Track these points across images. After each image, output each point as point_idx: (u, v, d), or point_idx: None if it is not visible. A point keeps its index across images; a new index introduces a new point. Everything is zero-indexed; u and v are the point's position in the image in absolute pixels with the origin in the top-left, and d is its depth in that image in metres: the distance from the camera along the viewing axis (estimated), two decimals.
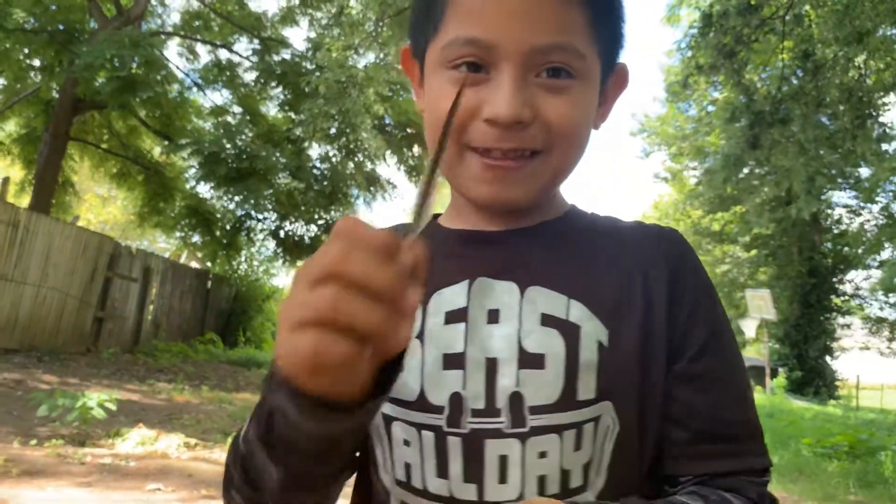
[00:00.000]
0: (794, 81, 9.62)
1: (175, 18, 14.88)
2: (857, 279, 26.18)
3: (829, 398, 21.92)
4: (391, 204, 69.21)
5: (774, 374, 20.91)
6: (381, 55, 10.75)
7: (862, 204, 25.03)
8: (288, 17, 14.61)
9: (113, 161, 15.26)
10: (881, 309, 26.22)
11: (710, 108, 20.90)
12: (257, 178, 12.71)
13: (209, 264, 16.40)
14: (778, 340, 23.05)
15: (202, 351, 14.54)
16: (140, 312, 13.27)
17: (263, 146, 13.16)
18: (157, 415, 7.49)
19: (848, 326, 26.36)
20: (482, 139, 0.68)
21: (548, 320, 0.67)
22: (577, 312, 0.68)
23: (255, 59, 14.57)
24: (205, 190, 14.57)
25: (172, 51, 15.07)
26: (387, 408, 0.69)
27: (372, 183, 14.95)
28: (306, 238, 14.84)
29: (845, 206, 25.35)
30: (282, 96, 14.71)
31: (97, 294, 11.83)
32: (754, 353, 24.47)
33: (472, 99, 0.67)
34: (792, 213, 9.99)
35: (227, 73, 14.69)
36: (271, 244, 15.51)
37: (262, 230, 15.11)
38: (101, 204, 28.24)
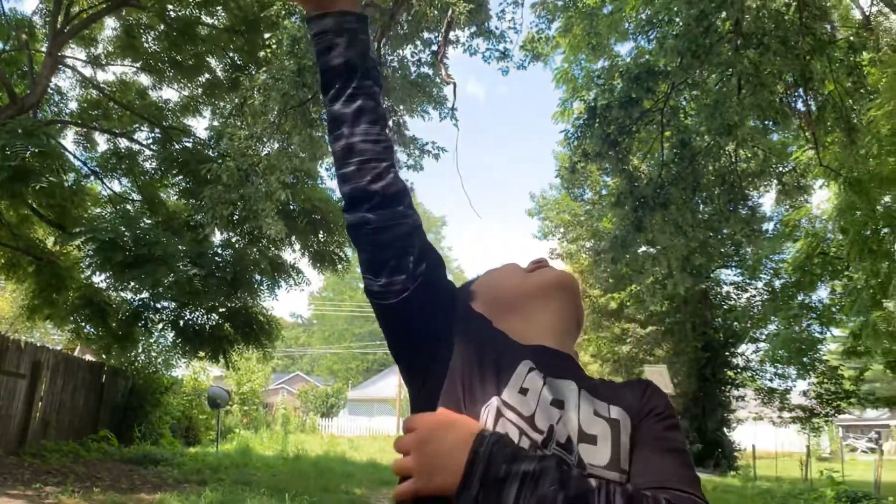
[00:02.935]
0: (673, 168, 10.35)
1: (73, 107, 14.67)
2: (747, 352, 27.47)
3: (728, 469, 22.59)
4: (296, 290, 68.34)
5: None
6: (285, 144, 10.94)
7: (748, 280, 26.53)
8: (190, 106, 14.70)
9: (1, 251, 14.65)
10: (770, 380, 27.48)
11: (605, 192, 22.04)
12: (156, 265, 12.47)
13: (104, 357, 15.74)
14: (678, 415, 23.72)
15: (95, 449, 13.80)
16: (28, 410, 12.55)
17: (163, 233, 12.96)
18: None
19: (742, 398, 27.45)
20: None
21: (598, 415, 1.00)
22: (615, 412, 1.01)
23: (155, 147, 14.49)
24: (100, 279, 14.14)
25: (69, 139, 14.76)
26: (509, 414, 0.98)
27: (276, 269, 14.87)
28: (207, 327, 14.50)
29: (732, 283, 26.81)
30: (183, 184, 14.61)
31: None
32: None
33: None
34: (669, 289, 10.62)
35: (127, 162, 14.51)
36: (170, 335, 15.05)
37: (160, 320, 14.68)
38: None
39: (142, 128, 14.86)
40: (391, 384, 44.28)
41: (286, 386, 46.82)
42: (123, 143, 14.77)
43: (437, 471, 0.90)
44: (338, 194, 15.05)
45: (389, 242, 1.01)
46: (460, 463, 0.88)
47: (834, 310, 23.43)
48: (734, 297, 26.66)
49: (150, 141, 14.69)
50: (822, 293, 23.71)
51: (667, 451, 0.98)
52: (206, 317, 14.63)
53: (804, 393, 27.55)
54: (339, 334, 61.20)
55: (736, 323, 25.76)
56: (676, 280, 9.48)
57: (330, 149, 1.11)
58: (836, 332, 25.28)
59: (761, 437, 30.18)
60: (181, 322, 14.42)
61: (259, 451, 19.64)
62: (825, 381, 26.22)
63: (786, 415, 27.88)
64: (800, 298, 23.80)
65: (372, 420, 38.97)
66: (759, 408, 28.57)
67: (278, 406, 33.50)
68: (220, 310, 14.50)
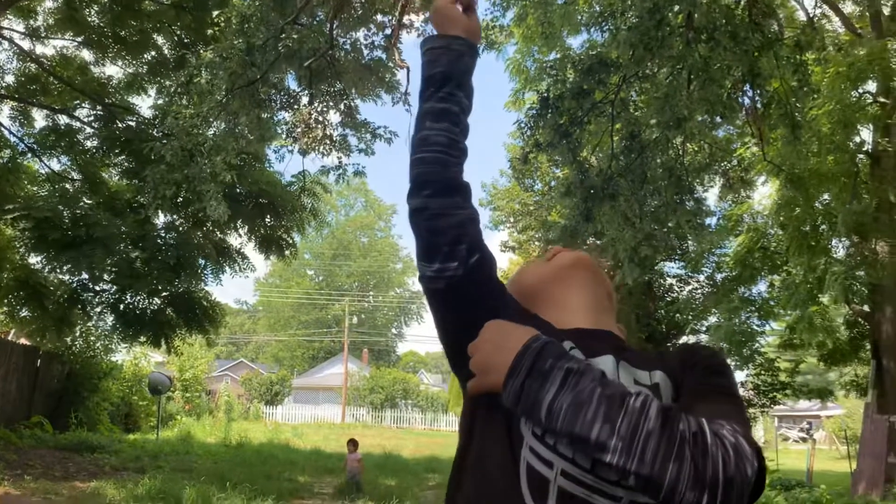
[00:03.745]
0: (623, 160, 10.45)
1: (9, 80, 14.06)
2: (688, 343, 28.04)
3: None
4: (241, 276, 67.35)
5: None
6: (231, 125, 10.69)
7: (690, 273, 27.07)
8: (134, 84, 14.24)
9: None
10: None
11: (554, 184, 22.17)
12: (95, 247, 12.09)
13: (39, 340, 15.22)
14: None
15: (28, 436, 13.36)
16: None
17: (104, 214, 12.58)
18: None
19: None
20: None
21: (638, 383, 1.04)
22: (658, 377, 1.06)
23: (97, 125, 14.02)
24: (36, 260, 13.66)
25: (5, 114, 14.16)
26: None
27: (221, 254, 14.58)
28: (149, 311, 14.14)
29: (675, 276, 27.33)
30: (126, 163, 14.19)
31: None
32: None
33: None
34: (617, 280, 10.76)
35: (67, 139, 14.01)
36: (110, 318, 14.65)
37: (99, 303, 14.26)
38: None
39: (83, 105, 14.34)
40: (337, 372, 44.04)
41: (230, 373, 46.16)
42: (63, 119, 14.24)
43: (492, 367, 0.96)
44: (286, 178, 14.84)
45: (444, 229, 1.07)
46: (509, 356, 0.95)
47: (772, 303, 24.09)
48: (677, 289, 27.19)
49: (91, 118, 14.20)
50: (761, 287, 24.37)
51: (709, 393, 1.01)
52: (147, 301, 14.27)
53: (742, 384, 28.31)
54: (284, 321, 60.54)
55: (678, 315, 26.29)
56: (625, 271, 9.60)
57: (411, 140, 1.16)
58: (774, 325, 26.06)
59: None
60: (121, 306, 14.04)
61: (201, 438, 19.30)
62: (762, 372, 26.98)
63: None
64: (740, 292, 24.40)
65: (318, 408, 38.69)
66: None
67: (221, 393, 33.00)
68: (163, 294, 14.15)
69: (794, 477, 18.18)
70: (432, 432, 33.03)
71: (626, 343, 1.19)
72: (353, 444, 11.91)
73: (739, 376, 28.25)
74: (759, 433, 38.90)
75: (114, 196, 13.92)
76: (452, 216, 1.08)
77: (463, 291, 1.08)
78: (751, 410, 28.21)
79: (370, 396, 39.22)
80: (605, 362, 1.05)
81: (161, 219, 13.98)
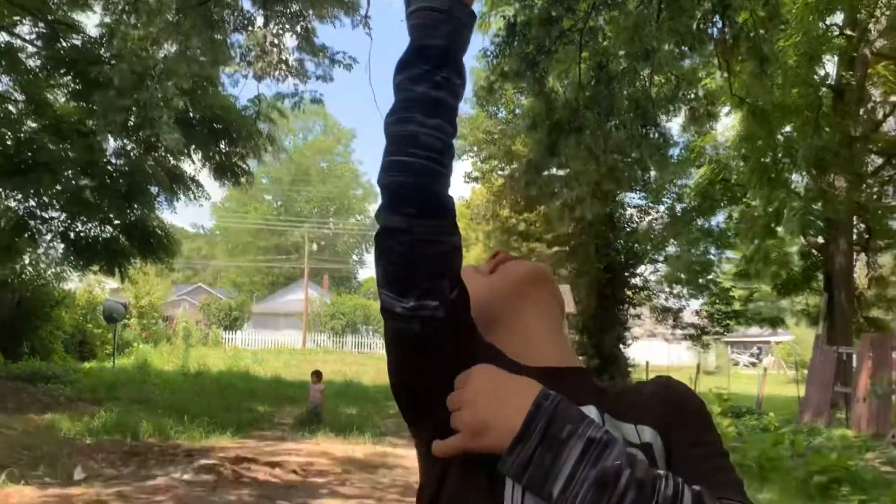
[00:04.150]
0: (589, 91, 10.23)
1: None
2: (646, 273, 28.50)
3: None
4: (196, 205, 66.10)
5: None
6: (183, 47, 10.15)
7: (651, 204, 27.26)
8: (79, 0, 13.40)
9: None
10: (666, 300, 28.73)
11: (518, 112, 21.84)
12: (41, 173, 11.58)
13: None
14: (578, 332, 24.55)
15: None
16: None
17: (50, 138, 12.02)
18: None
19: (639, 317, 28.64)
20: None
21: (628, 444, 0.86)
22: (647, 434, 0.90)
23: (40, 44, 13.23)
24: None
25: None
26: None
27: (175, 181, 14.12)
28: (101, 240, 13.72)
29: (636, 206, 27.49)
30: (72, 85, 13.48)
31: None
32: None
33: None
34: (578, 213, 10.79)
35: (8, 58, 13.21)
36: (60, 247, 14.19)
37: (49, 231, 13.78)
38: None
39: (23, 21, 13.48)
40: (297, 298, 43.97)
41: (188, 298, 45.78)
42: (3, 37, 13.41)
43: (490, 428, 0.79)
44: (242, 102, 14.32)
45: (428, 260, 0.86)
46: (518, 419, 0.78)
47: (730, 234, 24.47)
48: (637, 219, 27.40)
49: (33, 36, 13.39)
50: (719, 217, 24.69)
51: (710, 458, 0.91)
52: (99, 229, 13.83)
53: (696, 312, 28.98)
54: (243, 247, 59.86)
55: (637, 245, 26.55)
56: (586, 206, 9.52)
57: (387, 129, 0.90)
58: (730, 253, 26.56)
59: (655, 352, 31.78)
60: (72, 234, 13.59)
61: (158, 366, 19.15)
62: (717, 301, 27.60)
63: (678, 332, 29.35)
64: (699, 223, 24.69)
65: (278, 333, 38.66)
66: (653, 325, 29.95)
67: (179, 319, 32.72)
68: (115, 223, 13.71)
69: (745, 402, 18.82)
70: None
71: (593, 376, 1.04)
72: (316, 375, 11.91)
73: (694, 305, 28.91)
74: (711, 359, 40.14)
75: (60, 119, 13.26)
76: (439, 244, 0.86)
77: (440, 335, 0.88)
78: (704, 338, 29.02)
79: (331, 322, 39.32)
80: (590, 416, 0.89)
81: (111, 143, 13.43)
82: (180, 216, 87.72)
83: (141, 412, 10.37)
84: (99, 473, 6.63)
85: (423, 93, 0.87)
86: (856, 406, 13.20)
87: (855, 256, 18.61)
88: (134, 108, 11.81)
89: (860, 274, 20.65)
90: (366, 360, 30.28)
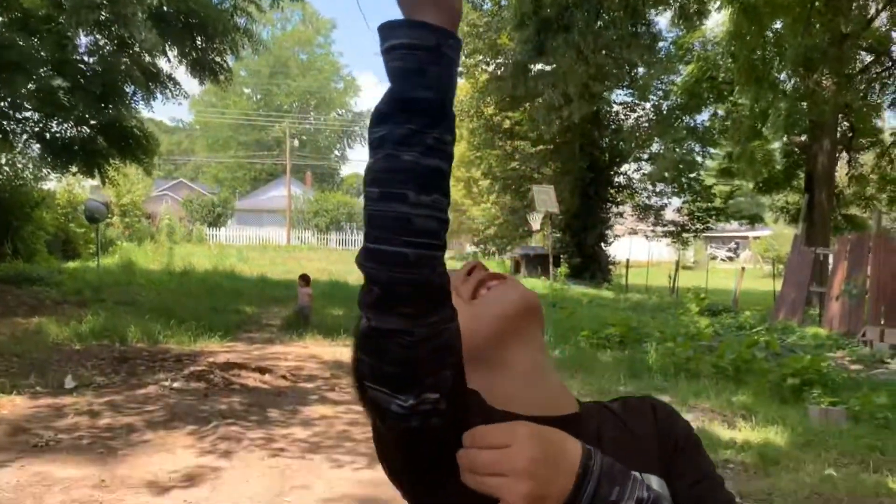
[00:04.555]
0: None
1: None
2: (629, 171, 28.51)
3: (603, 281, 24.09)
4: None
5: (557, 261, 22.53)
6: None
7: (637, 101, 26.94)
8: None
9: None
10: (648, 198, 28.86)
11: (504, 3, 21.13)
12: (13, 72, 11.17)
13: None
14: (560, 230, 24.74)
15: None
16: None
17: (18, 34, 11.52)
18: None
19: (621, 215, 28.86)
20: None
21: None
22: (654, 483, 0.86)
23: None
24: None
25: None
26: None
27: (151, 79, 13.69)
28: (78, 140, 13.42)
29: (622, 104, 27.17)
30: None
31: None
32: (540, 243, 26.13)
33: None
34: (565, 115, 10.61)
35: None
36: (36, 147, 13.89)
37: (23, 131, 13.45)
38: None
39: None
40: (280, 195, 43.70)
41: (170, 193, 45.40)
42: None
43: (547, 497, 0.73)
44: None
45: (429, 356, 0.74)
46: (569, 485, 0.74)
47: (714, 132, 24.36)
48: (623, 118, 27.14)
49: None
50: (705, 115, 24.50)
51: (712, 490, 0.91)
52: (75, 130, 13.50)
53: (678, 210, 29.19)
54: (223, 142, 58.88)
55: (622, 144, 26.42)
56: (574, 108, 9.37)
57: (371, 204, 0.73)
58: (713, 150, 26.54)
59: (635, 249, 32.16)
60: (47, 135, 13.28)
61: (143, 265, 19.16)
62: (698, 199, 27.77)
63: (659, 229, 29.65)
64: (685, 121, 24.50)
65: (262, 230, 38.66)
66: (635, 223, 30.19)
67: (162, 216, 32.55)
68: (91, 123, 13.38)
69: (722, 298, 19.26)
70: None
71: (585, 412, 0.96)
72: (304, 279, 11.97)
73: (676, 203, 29.08)
74: (689, 255, 40.75)
75: (28, 13, 12.69)
76: (440, 337, 0.74)
77: (441, 427, 0.77)
78: (684, 235, 29.34)
79: (315, 219, 39.30)
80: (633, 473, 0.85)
81: (82, 40, 12.93)
82: (158, 110, 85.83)
83: (128, 315, 10.43)
84: (90, 381, 6.73)
85: (412, 162, 0.71)
86: (829, 305, 13.56)
87: (837, 156, 18.66)
88: (105, 2, 11.33)
89: (840, 173, 20.76)
90: (350, 258, 30.06)
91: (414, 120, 0.72)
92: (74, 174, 15.34)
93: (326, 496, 4.32)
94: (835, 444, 5.69)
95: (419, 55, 0.72)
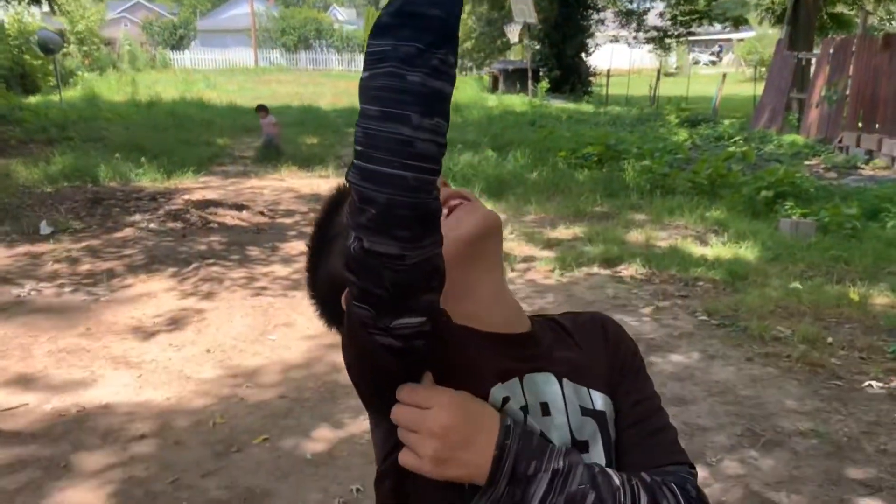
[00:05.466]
0: None
1: None
2: None
3: (583, 94, 23.65)
4: None
5: (536, 75, 21.96)
6: None
7: None
8: None
9: None
10: (630, 2, 27.71)
11: None
12: None
13: None
14: (539, 41, 23.90)
15: None
16: None
17: None
18: None
19: (602, 21, 27.79)
20: None
21: (585, 412, 0.90)
22: (599, 401, 0.91)
23: None
24: None
25: None
26: None
27: None
28: None
29: None
30: None
31: None
32: (518, 56, 25.33)
33: None
34: None
35: None
36: None
37: None
38: None
39: None
40: (243, 13, 41.50)
41: (127, 15, 43.04)
42: None
43: (455, 463, 0.79)
44: None
45: (418, 281, 0.73)
46: (484, 458, 0.78)
47: None
48: None
49: None
50: None
51: (648, 416, 0.94)
52: None
53: (660, 15, 28.14)
54: None
55: None
56: None
57: (370, 123, 0.68)
58: None
59: (616, 57, 31.30)
60: None
61: (108, 97, 18.50)
62: (682, 2, 26.70)
63: (641, 35, 28.75)
64: None
65: (227, 52, 37.06)
66: (616, 31, 29.19)
67: (122, 42, 31.00)
68: None
69: (702, 105, 19.08)
70: (350, 75, 32.55)
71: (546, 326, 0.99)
72: (262, 109, 11.59)
73: (659, 6, 27.95)
74: (671, 60, 39.84)
75: None
76: (431, 261, 0.72)
77: (425, 345, 0.78)
78: (666, 41, 28.52)
79: (282, 38, 37.66)
80: (548, 383, 0.90)
81: None
82: None
83: (97, 153, 10.20)
84: (66, 226, 6.66)
85: (418, 83, 0.66)
86: (808, 111, 13.46)
87: None
88: None
89: None
90: (322, 79, 29.52)
91: (421, 38, 0.66)
92: (20, 1, 14.36)
93: (310, 333, 4.43)
94: (802, 257, 5.85)
95: None
